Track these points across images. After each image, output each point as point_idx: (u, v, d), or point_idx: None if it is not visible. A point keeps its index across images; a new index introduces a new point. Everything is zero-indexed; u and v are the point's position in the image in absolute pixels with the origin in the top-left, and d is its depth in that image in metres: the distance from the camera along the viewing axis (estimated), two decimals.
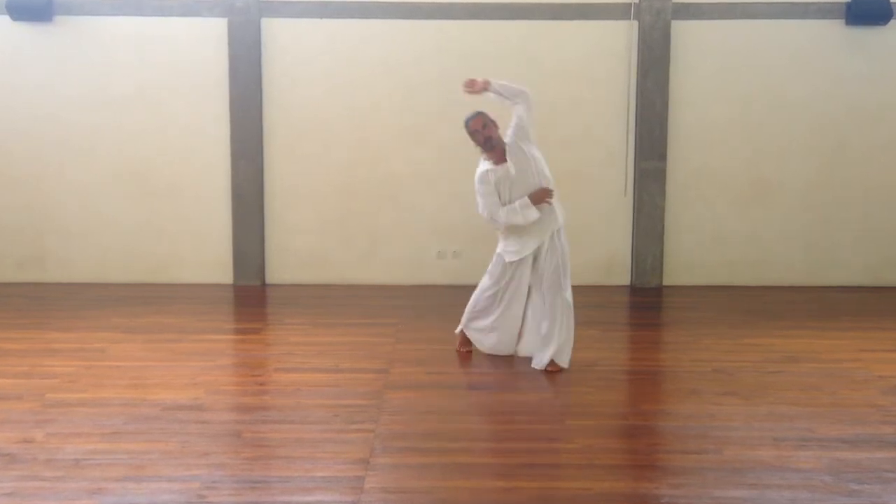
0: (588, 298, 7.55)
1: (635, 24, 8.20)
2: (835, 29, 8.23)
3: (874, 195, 8.44)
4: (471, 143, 5.65)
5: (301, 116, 8.31)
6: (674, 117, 8.30)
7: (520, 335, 5.84)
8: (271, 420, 4.65)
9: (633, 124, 8.32)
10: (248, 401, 5.09)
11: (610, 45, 8.27)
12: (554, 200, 5.60)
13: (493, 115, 5.61)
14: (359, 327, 6.73)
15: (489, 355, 5.89)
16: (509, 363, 5.68)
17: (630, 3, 8.20)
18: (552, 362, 5.57)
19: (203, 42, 8.20)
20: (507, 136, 5.60)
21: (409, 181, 8.38)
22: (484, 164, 5.63)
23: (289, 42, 8.25)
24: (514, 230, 5.62)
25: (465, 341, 6.01)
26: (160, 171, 8.34)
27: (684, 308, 7.67)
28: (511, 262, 5.67)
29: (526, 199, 5.50)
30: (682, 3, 8.22)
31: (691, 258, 8.48)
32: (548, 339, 5.59)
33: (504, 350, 5.89)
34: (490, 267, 5.82)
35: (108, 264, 8.41)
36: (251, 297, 7.98)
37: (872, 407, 4.89)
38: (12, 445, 4.20)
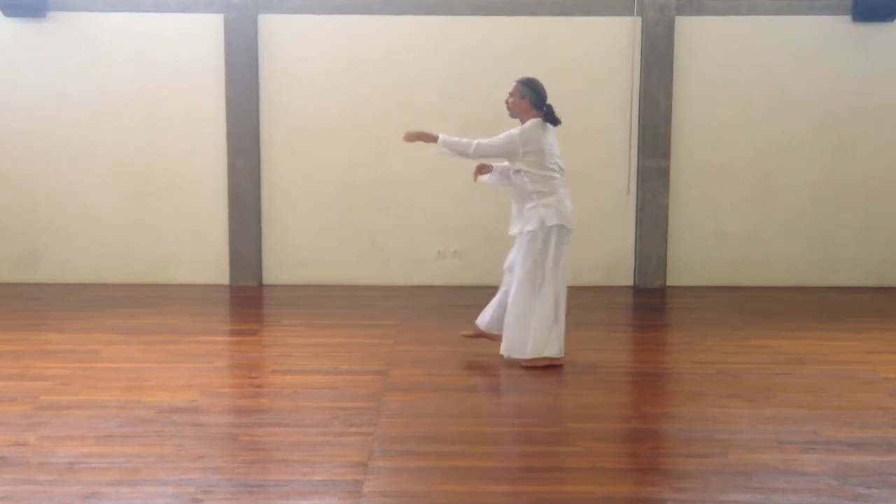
0: (590, 299, 7.49)
1: (638, 20, 8.13)
2: (841, 25, 8.15)
3: (878, 195, 8.37)
4: None
5: (299, 115, 8.24)
6: (677, 115, 8.22)
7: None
8: (268, 423, 4.59)
9: (636, 122, 8.25)
10: (245, 403, 5.04)
11: (613, 41, 8.20)
12: (531, 205, 5.48)
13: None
14: (357, 328, 6.67)
15: (490, 356, 5.83)
16: (510, 365, 5.61)
17: None
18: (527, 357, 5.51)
19: (199, 39, 8.13)
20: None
21: (408, 181, 8.31)
22: None
23: (286, 39, 8.18)
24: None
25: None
26: (156, 169, 8.28)
27: (688, 309, 7.60)
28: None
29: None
30: None
31: (695, 258, 8.41)
32: (507, 326, 5.57)
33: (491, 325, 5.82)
34: None
35: (104, 264, 8.35)
36: (248, 298, 7.92)
37: (879, 409, 4.83)
38: (5, 448, 4.14)
